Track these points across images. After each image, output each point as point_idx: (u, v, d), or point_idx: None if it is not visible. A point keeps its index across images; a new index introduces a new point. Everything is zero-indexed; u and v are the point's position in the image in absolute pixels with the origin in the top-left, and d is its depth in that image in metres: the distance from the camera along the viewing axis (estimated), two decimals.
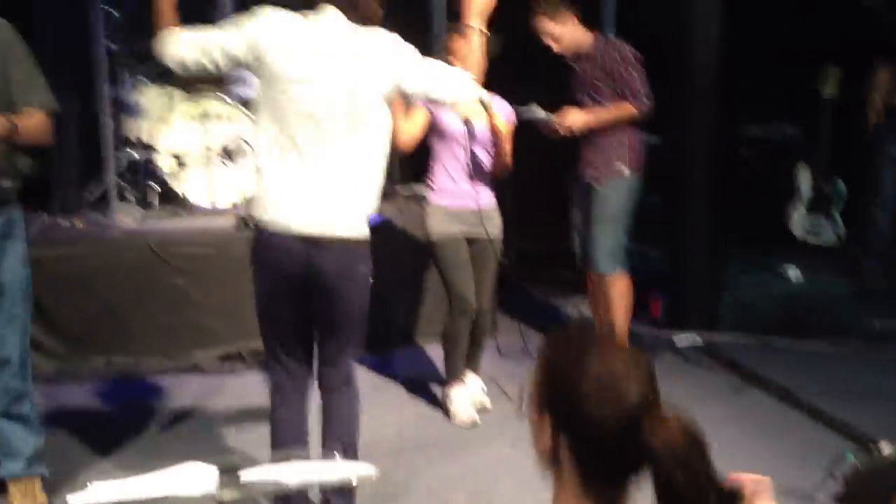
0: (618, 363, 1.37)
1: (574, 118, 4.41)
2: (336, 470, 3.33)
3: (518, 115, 4.23)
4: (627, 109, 4.41)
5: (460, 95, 3.03)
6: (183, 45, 2.83)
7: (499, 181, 4.21)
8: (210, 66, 2.86)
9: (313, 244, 2.82)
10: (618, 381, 1.35)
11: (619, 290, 4.59)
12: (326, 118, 2.78)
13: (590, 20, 4.60)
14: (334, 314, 2.94)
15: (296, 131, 2.79)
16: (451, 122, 4.02)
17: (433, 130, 4.09)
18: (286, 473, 2.82)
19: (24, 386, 3.34)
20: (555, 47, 4.49)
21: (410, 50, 2.93)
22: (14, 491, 3.39)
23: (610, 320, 4.57)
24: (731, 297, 5.46)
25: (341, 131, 2.80)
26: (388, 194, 5.88)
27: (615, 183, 4.48)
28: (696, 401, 4.31)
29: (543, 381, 1.42)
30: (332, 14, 2.85)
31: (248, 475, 2.59)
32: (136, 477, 2.36)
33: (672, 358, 4.94)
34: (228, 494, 2.23)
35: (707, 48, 5.04)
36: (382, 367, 4.83)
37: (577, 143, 4.56)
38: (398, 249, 5.10)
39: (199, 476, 2.23)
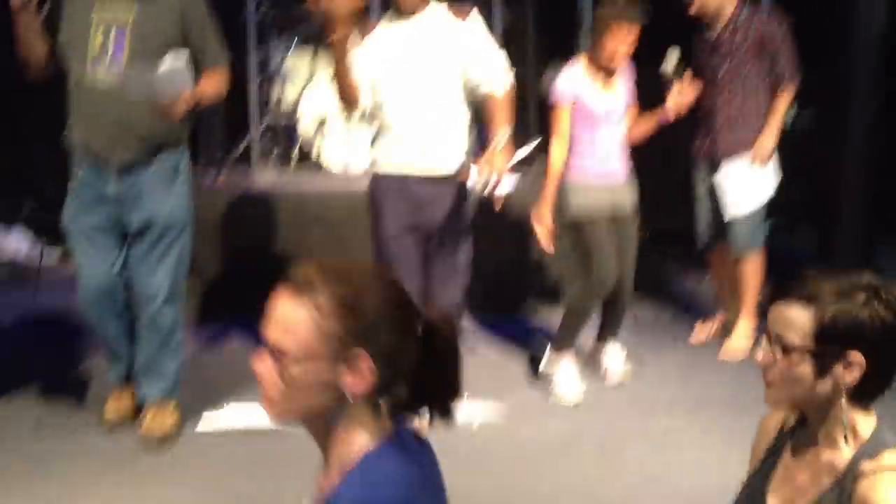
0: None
1: (765, 151, 4.26)
2: (463, 410, 3.38)
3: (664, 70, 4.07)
4: (787, 98, 4.28)
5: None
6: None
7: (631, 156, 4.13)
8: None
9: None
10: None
11: (755, 269, 4.43)
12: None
13: None
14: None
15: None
16: (589, 102, 3.92)
17: (576, 114, 3.95)
18: None
19: (172, 320, 3.47)
20: (696, 3, 4.24)
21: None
22: (149, 412, 3.52)
23: (743, 297, 4.44)
24: None
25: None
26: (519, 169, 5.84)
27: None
28: None
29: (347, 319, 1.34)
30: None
31: None
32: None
33: None
34: None
35: (872, 24, 4.77)
36: (507, 333, 4.77)
37: (701, 115, 4.38)
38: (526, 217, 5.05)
39: None
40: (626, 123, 4.04)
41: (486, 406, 3.78)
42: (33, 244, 5.84)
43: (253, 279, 4.89)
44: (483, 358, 4.41)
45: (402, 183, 3.47)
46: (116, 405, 3.62)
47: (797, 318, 1.50)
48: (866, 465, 1.48)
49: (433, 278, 3.52)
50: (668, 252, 5.82)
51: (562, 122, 3.90)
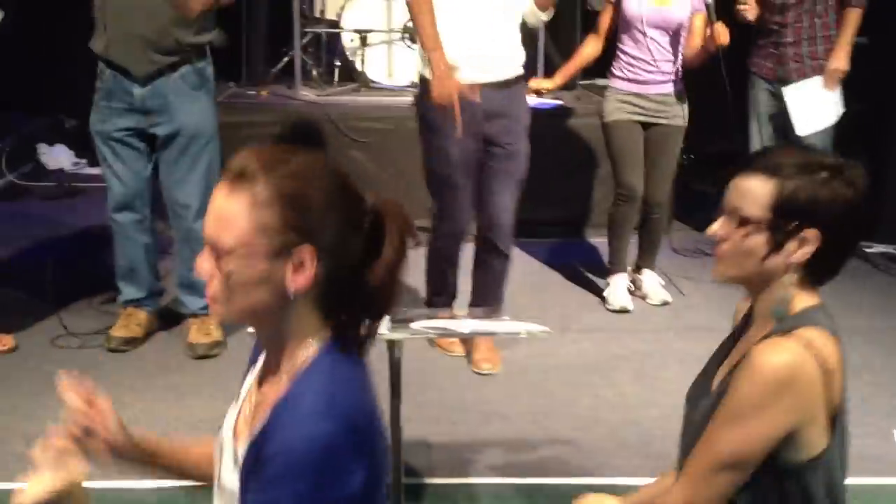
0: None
1: (838, 73, 4.16)
2: (510, 325, 3.39)
3: None
4: (856, 18, 4.16)
5: None
6: None
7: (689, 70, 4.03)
8: None
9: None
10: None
11: None
12: None
13: None
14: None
15: None
16: (635, 6, 3.86)
17: (618, 15, 3.95)
18: (461, 325, 2.88)
19: None
20: None
21: None
22: (193, 326, 3.57)
23: None
24: None
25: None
26: (569, 86, 5.75)
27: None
28: (884, 309, 4.16)
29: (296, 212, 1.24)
30: None
31: (424, 324, 2.63)
32: None
33: (863, 266, 4.65)
34: (399, 335, 2.32)
35: None
36: (549, 255, 4.77)
37: (764, 35, 4.28)
38: (572, 137, 4.98)
39: None
40: (683, 37, 3.94)
41: (533, 325, 3.77)
42: (75, 160, 5.90)
43: None
44: (534, 279, 4.42)
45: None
46: (123, 328, 3.58)
47: (756, 190, 1.45)
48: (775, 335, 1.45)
49: (489, 189, 3.43)
50: (711, 177, 5.74)
51: (599, 20, 4.04)
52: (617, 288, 4.12)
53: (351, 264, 1.27)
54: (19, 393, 3.25)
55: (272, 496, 1.18)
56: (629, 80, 3.96)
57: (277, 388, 1.28)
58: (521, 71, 3.44)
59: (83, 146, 5.59)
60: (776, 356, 1.40)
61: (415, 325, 2.60)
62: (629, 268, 4.26)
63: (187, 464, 1.52)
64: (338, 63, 5.65)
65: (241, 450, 1.29)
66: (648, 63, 3.92)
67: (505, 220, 3.47)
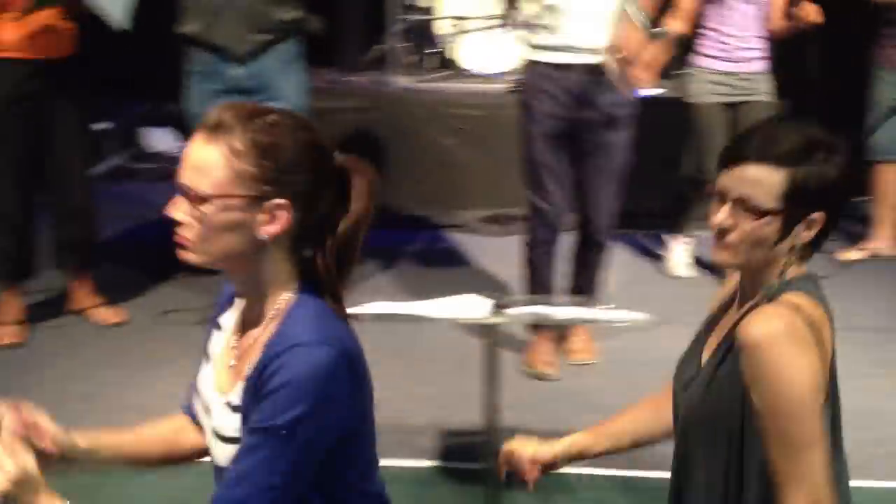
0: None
1: None
2: (611, 313, 3.36)
3: None
4: None
5: None
6: None
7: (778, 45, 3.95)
8: None
9: None
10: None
11: None
12: None
13: None
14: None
15: None
16: None
17: None
18: (565, 311, 2.86)
19: None
20: None
21: None
22: None
23: None
24: None
25: None
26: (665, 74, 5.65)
27: None
28: None
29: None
30: None
31: (521, 309, 2.64)
32: (413, 302, 2.49)
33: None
34: (498, 320, 2.32)
35: None
36: (647, 247, 4.72)
37: (888, 22, 4.18)
38: (672, 126, 4.89)
39: (474, 304, 2.36)
40: (767, 6, 3.85)
41: (635, 314, 3.74)
42: (178, 143, 6.04)
43: (386, 183, 5.00)
44: (632, 271, 4.41)
45: (563, 73, 3.18)
46: None
47: (766, 180, 1.45)
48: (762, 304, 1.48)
49: (583, 183, 3.32)
50: None
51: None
52: (678, 255, 4.30)
53: (321, 214, 1.34)
54: (130, 365, 3.39)
55: (276, 422, 1.24)
56: (716, 58, 3.91)
57: (265, 331, 1.33)
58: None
59: (185, 129, 5.73)
60: (765, 324, 1.42)
61: (512, 311, 2.62)
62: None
63: (139, 449, 1.52)
64: (433, 50, 5.67)
65: (235, 395, 1.34)
66: (736, 38, 3.86)
67: (598, 215, 3.38)
